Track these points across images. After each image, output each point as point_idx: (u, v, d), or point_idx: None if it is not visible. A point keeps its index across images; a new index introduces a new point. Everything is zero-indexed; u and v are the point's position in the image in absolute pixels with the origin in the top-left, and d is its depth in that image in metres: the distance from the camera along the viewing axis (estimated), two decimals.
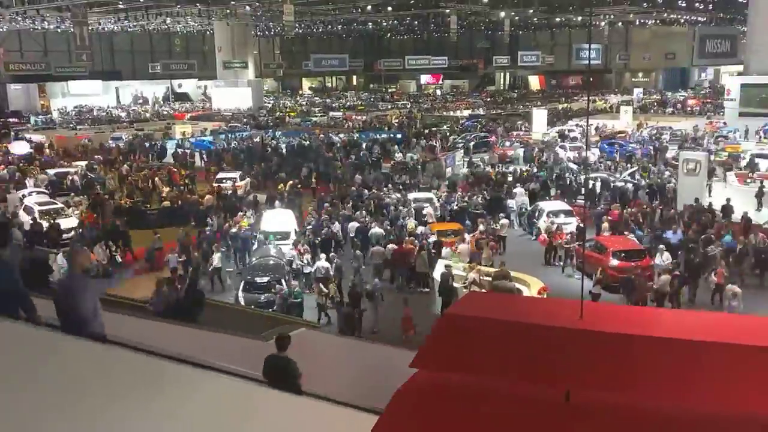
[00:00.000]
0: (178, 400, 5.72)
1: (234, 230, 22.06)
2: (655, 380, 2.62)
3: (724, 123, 47.51)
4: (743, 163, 33.09)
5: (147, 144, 45.48)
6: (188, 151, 42.48)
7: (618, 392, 2.66)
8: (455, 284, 17.14)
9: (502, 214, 24.33)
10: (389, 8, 66.65)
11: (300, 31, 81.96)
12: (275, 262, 18.78)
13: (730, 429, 2.53)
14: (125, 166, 36.11)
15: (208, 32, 79.91)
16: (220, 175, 33.05)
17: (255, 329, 11.41)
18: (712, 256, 18.38)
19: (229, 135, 50.25)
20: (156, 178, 31.75)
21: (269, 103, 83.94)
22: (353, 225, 22.87)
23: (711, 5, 73.04)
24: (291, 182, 30.39)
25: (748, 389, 2.52)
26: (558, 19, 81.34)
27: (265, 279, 17.66)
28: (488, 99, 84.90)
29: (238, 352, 8.70)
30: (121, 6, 58.62)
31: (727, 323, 3.61)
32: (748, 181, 28.41)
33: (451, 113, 68.76)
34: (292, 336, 8.02)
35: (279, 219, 22.92)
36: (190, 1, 57.16)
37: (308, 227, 22.70)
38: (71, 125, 61.85)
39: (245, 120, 62.92)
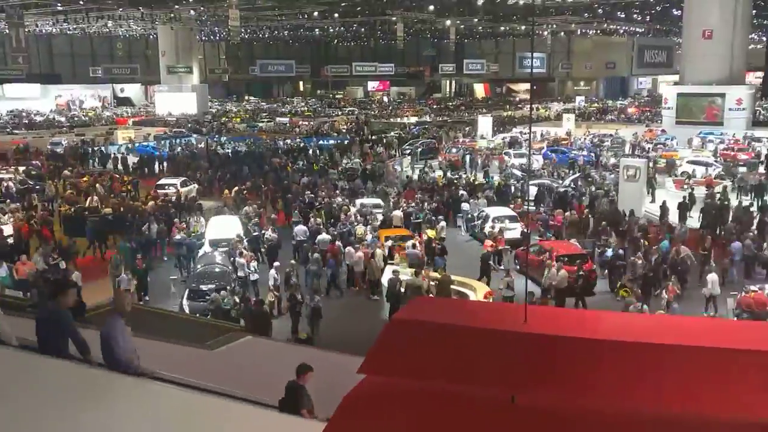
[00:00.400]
0: (122, 411, 5.57)
1: (178, 237, 21.68)
2: (599, 382, 2.67)
3: (662, 131, 48.98)
4: (680, 169, 34.20)
5: (89, 149, 44.40)
6: (130, 157, 41.63)
7: (563, 395, 2.70)
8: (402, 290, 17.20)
9: (440, 217, 24.51)
10: (336, 15, 66.68)
11: (246, 36, 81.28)
12: (221, 270, 18.51)
13: (674, 429, 2.59)
14: (65, 171, 35.12)
15: (151, 36, 78.58)
16: (162, 181, 32.42)
17: (200, 338, 11.22)
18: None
19: (174, 141, 49.45)
20: (97, 185, 30.97)
21: (215, 108, 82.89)
22: (301, 229, 22.90)
23: (648, 17, 75.35)
24: (236, 188, 30.05)
25: (688, 389, 2.59)
26: (502, 28, 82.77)
27: (211, 287, 17.37)
28: (435, 106, 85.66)
29: (183, 361, 8.53)
30: (59, 8, 57.10)
31: (668, 325, 3.71)
32: (685, 186, 29.34)
33: (399, 120, 69.15)
34: (238, 343, 7.92)
35: (225, 225, 22.61)
36: (133, 4, 56.06)
37: (253, 234, 22.45)
38: (7, 130, 59.87)
39: (190, 125, 62.01)
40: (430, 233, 22.35)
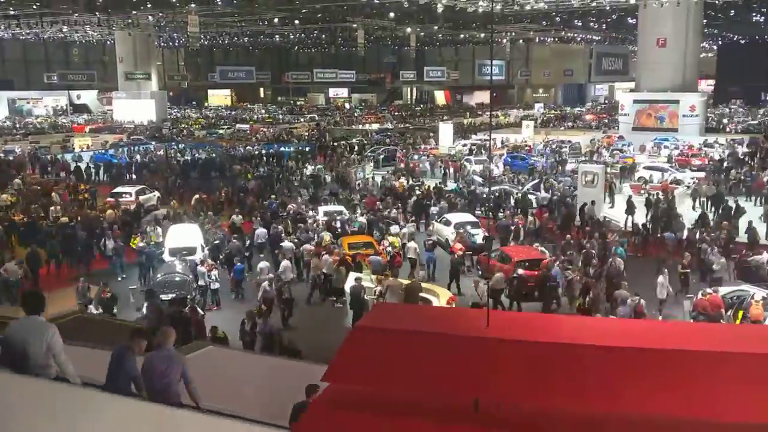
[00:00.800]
0: (83, 426, 5.48)
1: (139, 245, 21.35)
2: (560, 385, 2.71)
3: (620, 137, 49.93)
4: (637, 175, 34.94)
5: (45, 157, 43.49)
6: (88, 165, 40.87)
7: (525, 398, 2.74)
8: (366, 297, 17.18)
9: (394, 225, 24.51)
10: (296, 21, 66.51)
11: (205, 42, 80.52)
12: (181, 279, 18.25)
13: (636, 428, 2.64)
14: (17, 180, 34.27)
15: (108, 42, 77.28)
16: (117, 189, 31.85)
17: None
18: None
19: (132, 148, 48.69)
20: (53, 194, 30.32)
21: (174, 114, 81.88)
22: (262, 231, 22.94)
23: (605, 25, 76.82)
24: (197, 196, 29.70)
25: (647, 390, 2.64)
26: (462, 36, 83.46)
27: (171, 296, 17.13)
28: (396, 113, 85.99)
29: None
30: (12, 12, 55.80)
31: (626, 328, 3.78)
32: (642, 191, 29.92)
33: (361, 126, 69.19)
34: (199, 353, 7.84)
35: (184, 234, 22.30)
36: (89, 9, 55.06)
37: (215, 242, 22.21)
38: None
39: (148, 132, 61.13)
40: (392, 240, 22.36)
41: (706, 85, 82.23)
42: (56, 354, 6.04)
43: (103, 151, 47.13)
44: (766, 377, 2.61)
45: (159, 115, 72.31)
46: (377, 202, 28.61)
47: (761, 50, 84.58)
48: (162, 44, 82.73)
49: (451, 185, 33.95)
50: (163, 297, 17.07)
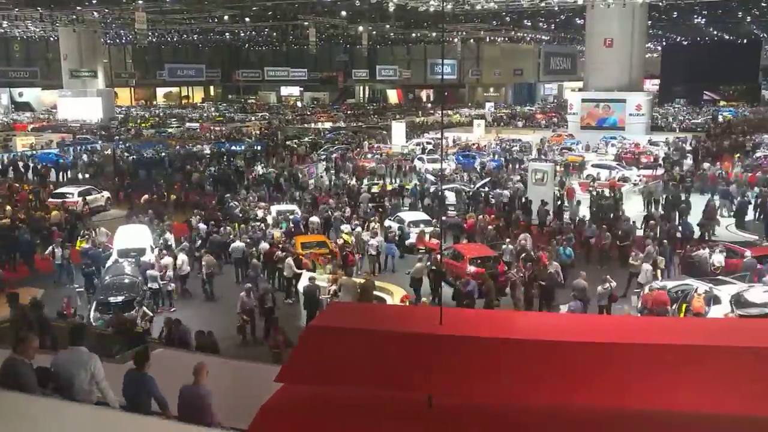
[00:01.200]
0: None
1: (86, 246, 20.85)
2: (512, 380, 2.75)
3: (570, 135, 50.81)
4: (585, 173, 35.63)
5: None
6: (32, 165, 39.71)
7: (479, 394, 2.76)
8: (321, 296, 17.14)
9: (345, 225, 24.49)
10: (247, 19, 65.79)
11: (153, 39, 78.99)
12: (131, 281, 17.88)
13: (588, 425, 2.69)
14: None
15: (52, 38, 75.16)
16: (60, 190, 31.01)
17: (108, 351, 10.90)
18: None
19: (78, 147, 47.48)
20: None
21: (122, 113, 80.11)
22: (202, 227, 22.95)
23: (553, 25, 78.11)
24: (145, 196, 29.15)
25: (600, 384, 2.70)
26: (414, 35, 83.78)
27: (120, 298, 16.76)
28: (348, 112, 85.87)
29: None
30: None
31: (578, 323, 3.85)
32: (590, 189, 30.49)
33: (313, 125, 68.90)
34: (151, 356, 7.74)
35: (134, 235, 21.85)
36: (30, 4, 53.42)
37: (167, 244, 21.83)
38: None
39: (95, 131, 59.69)
40: (346, 238, 22.35)
41: (651, 85, 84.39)
42: (98, 381, 6.73)
43: (47, 150, 45.81)
44: (698, 368, 2.68)
45: (106, 113, 70.60)
46: (329, 200, 28.52)
47: (703, 51, 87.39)
48: (108, 41, 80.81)
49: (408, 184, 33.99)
50: (112, 300, 16.73)
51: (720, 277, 17.35)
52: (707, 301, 15.14)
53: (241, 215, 26.11)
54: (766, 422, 2.62)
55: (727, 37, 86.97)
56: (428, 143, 48.15)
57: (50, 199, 28.97)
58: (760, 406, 2.57)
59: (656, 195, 28.69)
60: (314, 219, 24.96)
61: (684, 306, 15.48)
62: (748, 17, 69.24)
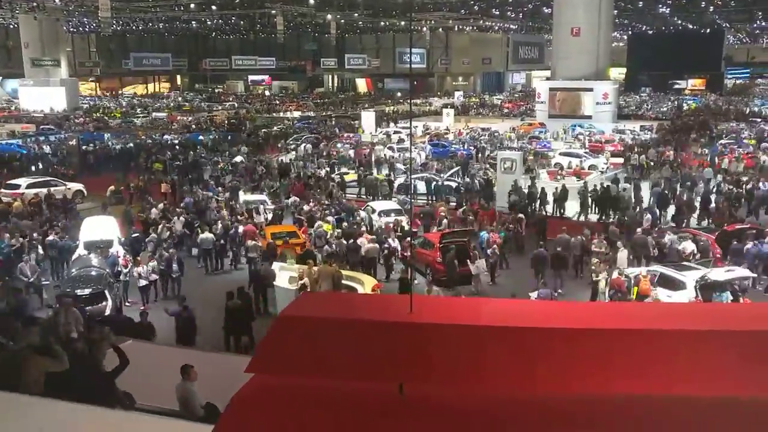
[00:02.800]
0: None
1: (51, 238, 20.45)
2: (484, 368, 2.77)
3: (541, 124, 51.14)
4: (553, 161, 35.98)
5: None
6: None
7: (450, 382, 2.78)
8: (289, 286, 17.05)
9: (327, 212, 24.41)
10: (213, 7, 64.99)
11: (118, 28, 77.67)
12: (98, 273, 17.58)
13: (559, 413, 2.72)
14: None
15: (11, 26, 73.44)
16: (11, 181, 30.35)
17: None
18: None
19: (41, 138, 46.54)
20: None
21: (86, 103, 78.66)
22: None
23: (521, 14, 78.48)
24: (111, 188, 28.69)
25: (571, 370, 2.73)
26: (382, 24, 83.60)
27: (86, 291, 16.48)
28: (318, 101, 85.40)
29: None
30: None
31: (547, 309, 3.89)
32: (558, 177, 30.79)
33: (282, 114, 68.41)
34: (122, 347, 7.68)
35: (100, 227, 21.49)
36: None
37: (133, 236, 21.50)
38: None
39: (59, 122, 58.54)
40: (326, 226, 22.22)
41: (618, 74, 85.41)
42: None
43: (9, 141, 44.83)
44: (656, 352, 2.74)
45: (70, 103, 69.25)
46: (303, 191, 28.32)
47: (668, 41, 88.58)
48: (71, 30, 79.23)
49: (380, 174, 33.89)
50: (79, 292, 16.44)
51: (684, 263, 17.69)
52: (652, 282, 16.04)
53: (216, 213, 25.42)
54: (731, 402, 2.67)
55: (691, 26, 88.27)
56: (397, 132, 48.17)
57: (2, 190, 28.42)
58: (704, 387, 2.63)
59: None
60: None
61: (635, 289, 16.30)
62: (711, 7, 70.37)
